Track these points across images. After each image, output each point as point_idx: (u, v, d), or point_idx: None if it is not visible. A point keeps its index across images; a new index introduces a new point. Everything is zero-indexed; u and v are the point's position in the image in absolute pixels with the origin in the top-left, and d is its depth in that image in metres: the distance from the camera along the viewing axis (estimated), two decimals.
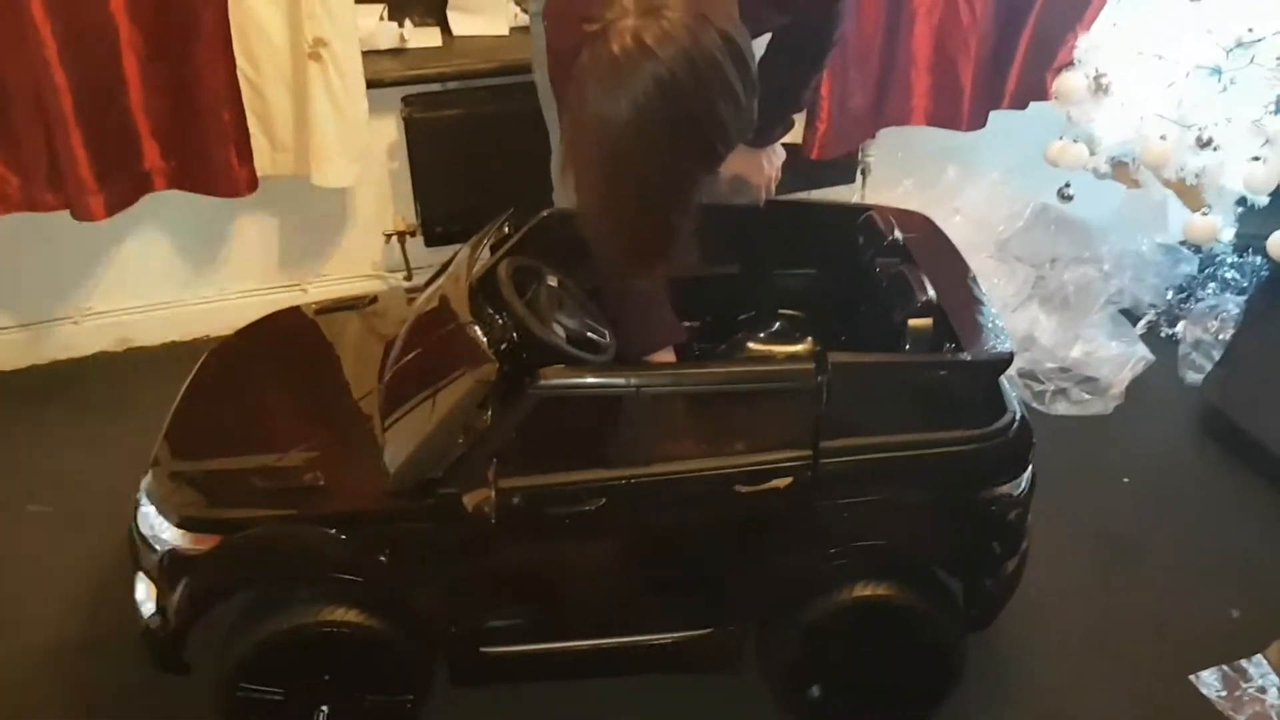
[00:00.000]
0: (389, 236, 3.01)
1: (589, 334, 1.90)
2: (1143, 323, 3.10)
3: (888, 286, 1.91)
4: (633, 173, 1.39)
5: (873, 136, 3.10)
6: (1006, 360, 1.78)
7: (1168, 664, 2.13)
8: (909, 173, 3.18)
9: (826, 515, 1.76)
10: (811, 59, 1.99)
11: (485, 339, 1.74)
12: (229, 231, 2.94)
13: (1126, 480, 2.60)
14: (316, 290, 3.03)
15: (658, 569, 1.82)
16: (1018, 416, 1.79)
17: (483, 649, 1.84)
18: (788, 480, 1.71)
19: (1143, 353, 2.91)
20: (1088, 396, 2.82)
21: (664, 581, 1.83)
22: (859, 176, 3.20)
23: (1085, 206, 3.09)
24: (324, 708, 1.82)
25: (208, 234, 2.93)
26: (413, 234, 3.00)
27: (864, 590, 1.79)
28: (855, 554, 1.79)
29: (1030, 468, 1.83)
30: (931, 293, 1.81)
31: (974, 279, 1.96)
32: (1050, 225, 3.16)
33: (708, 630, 1.84)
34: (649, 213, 1.43)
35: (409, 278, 3.05)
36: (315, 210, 2.96)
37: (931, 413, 1.77)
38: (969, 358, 1.74)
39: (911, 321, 1.81)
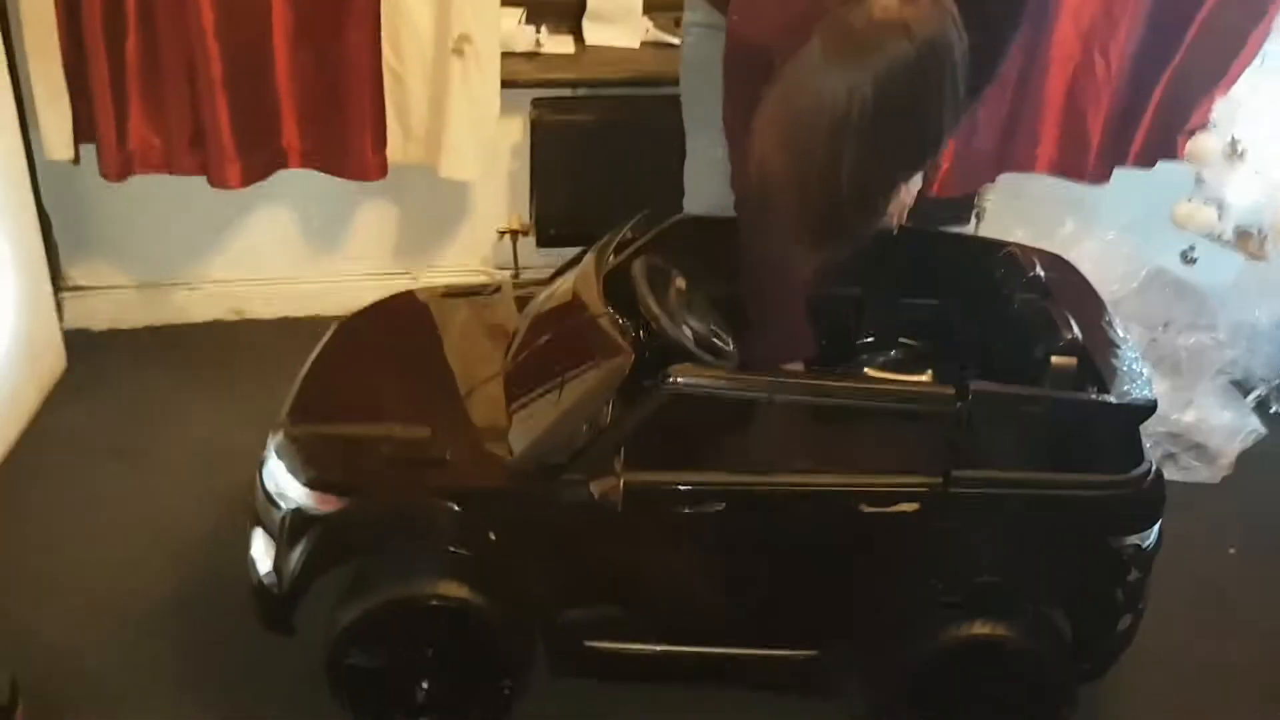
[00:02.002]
0: (503, 234, 3.04)
1: (714, 339, 1.90)
2: (1253, 396, 3.02)
3: (1027, 322, 1.89)
4: (843, 149, 1.38)
5: (993, 180, 3.08)
6: (1150, 407, 1.74)
7: None
8: (1025, 221, 3.13)
9: (950, 546, 1.73)
10: (971, 88, 1.98)
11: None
12: (350, 214, 3.00)
13: (1232, 550, 2.53)
14: (426, 280, 3.06)
15: (770, 582, 1.80)
16: (1153, 468, 1.75)
17: (586, 642, 1.83)
18: (915, 505, 1.69)
19: (1255, 425, 2.84)
20: (1196, 464, 2.76)
21: (775, 596, 1.81)
22: (974, 219, 3.18)
23: (1202, 273, 3.04)
24: (425, 684, 1.82)
25: (329, 215, 2.99)
26: (525, 233, 3.03)
27: (980, 628, 1.75)
28: (975, 589, 1.76)
29: (1160, 523, 1.79)
30: (1076, 331, 1.78)
31: (1115, 323, 1.93)
32: (1166, 288, 3.10)
33: (813, 652, 1.82)
34: (841, 195, 1.42)
35: (516, 276, 3.08)
36: (434, 201, 3.01)
37: (1069, 453, 1.74)
38: (1114, 401, 1.71)
39: (1054, 359, 1.78)
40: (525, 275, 3.04)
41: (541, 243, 3.02)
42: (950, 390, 1.65)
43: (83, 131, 2.55)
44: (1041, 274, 1.98)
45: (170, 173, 2.61)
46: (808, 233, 1.50)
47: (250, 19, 2.51)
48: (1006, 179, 3.08)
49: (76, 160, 2.59)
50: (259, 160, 2.65)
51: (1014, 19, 1.82)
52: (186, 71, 2.51)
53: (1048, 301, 1.91)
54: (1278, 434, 2.85)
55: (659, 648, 1.83)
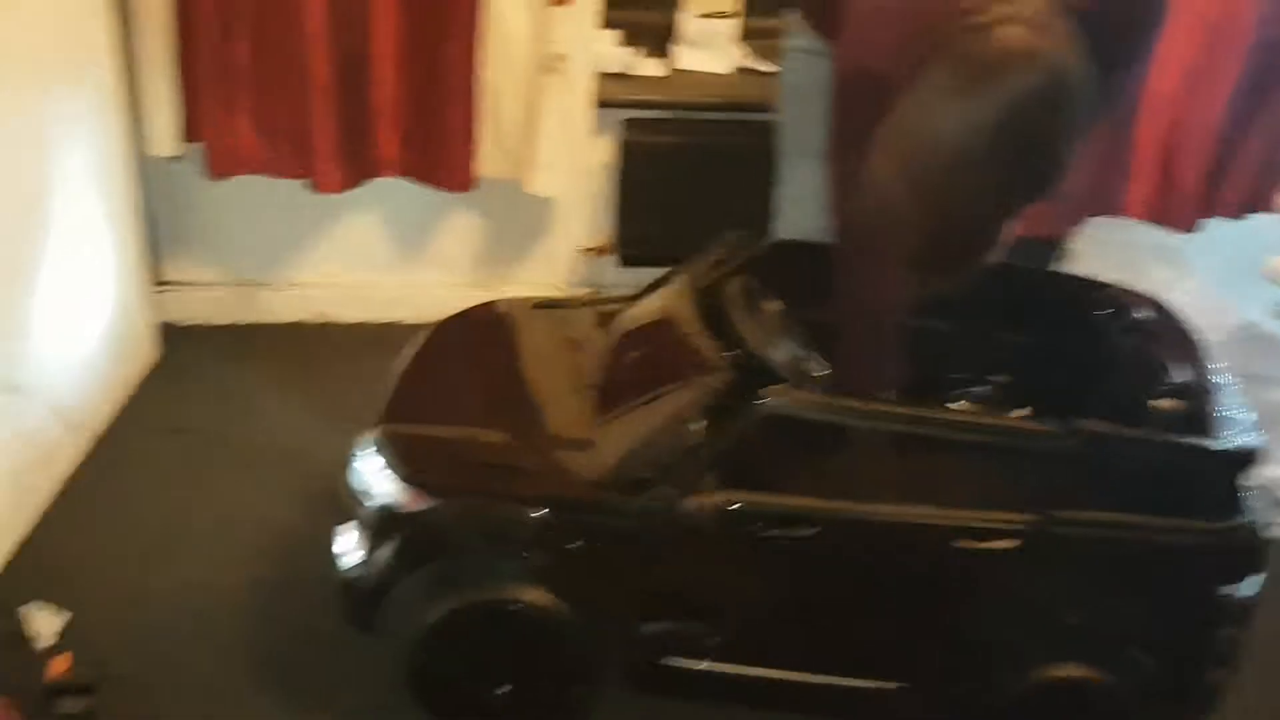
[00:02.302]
0: (584, 251, 3.07)
1: (805, 363, 1.90)
2: None
3: (1128, 365, 1.86)
4: (965, 181, 1.39)
5: (1081, 222, 3.04)
6: (1252, 455, 1.70)
7: None
8: (1112, 266, 3.09)
9: (1045, 585, 1.70)
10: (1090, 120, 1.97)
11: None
12: (434, 225, 3.05)
13: None
14: (506, 294, 3.07)
15: (858, 611, 1.78)
16: (1254, 519, 1.71)
17: (663, 660, 1.82)
18: (1013, 543, 1.66)
19: None
20: None
21: (861, 626, 1.79)
22: (1059, 261, 3.14)
23: None
24: (504, 687, 1.82)
25: (414, 224, 3.03)
26: (607, 253, 3.06)
27: (1070, 670, 1.72)
28: (1066, 631, 1.72)
29: (1262, 576, 1.74)
30: (1183, 376, 1.75)
31: (1218, 369, 1.89)
32: (1255, 341, 3.05)
33: (897, 685, 1.79)
34: (960, 226, 1.42)
35: (595, 294, 3.10)
36: (517, 216, 3.04)
37: (1171, 498, 1.70)
38: (1216, 447, 1.67)
39: (1158, 403, 1.75)
40: (605, 293, 3.06)
41: (623, 263, 3.04)
42: (1056, 428, 1.63)
43: (189, 130, 2.62)
44: (1143, 316, 1.95)
45: (271, 175, 2.68)
46: (920, 263, 1.50)
47: (356, 28, 2.57)
48: (1094, 222, 3.05)
49: (181, 157, 2.66)
50: (357, 167, 2.70)
51: (1139, 51, 1.81)
52: (293, 77, 2.57)
53: (1149, 344, 1.88)
54: None
55: (738, 670, 1.82)
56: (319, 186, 2.66)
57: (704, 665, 1.82)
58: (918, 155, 1.41)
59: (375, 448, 1.84)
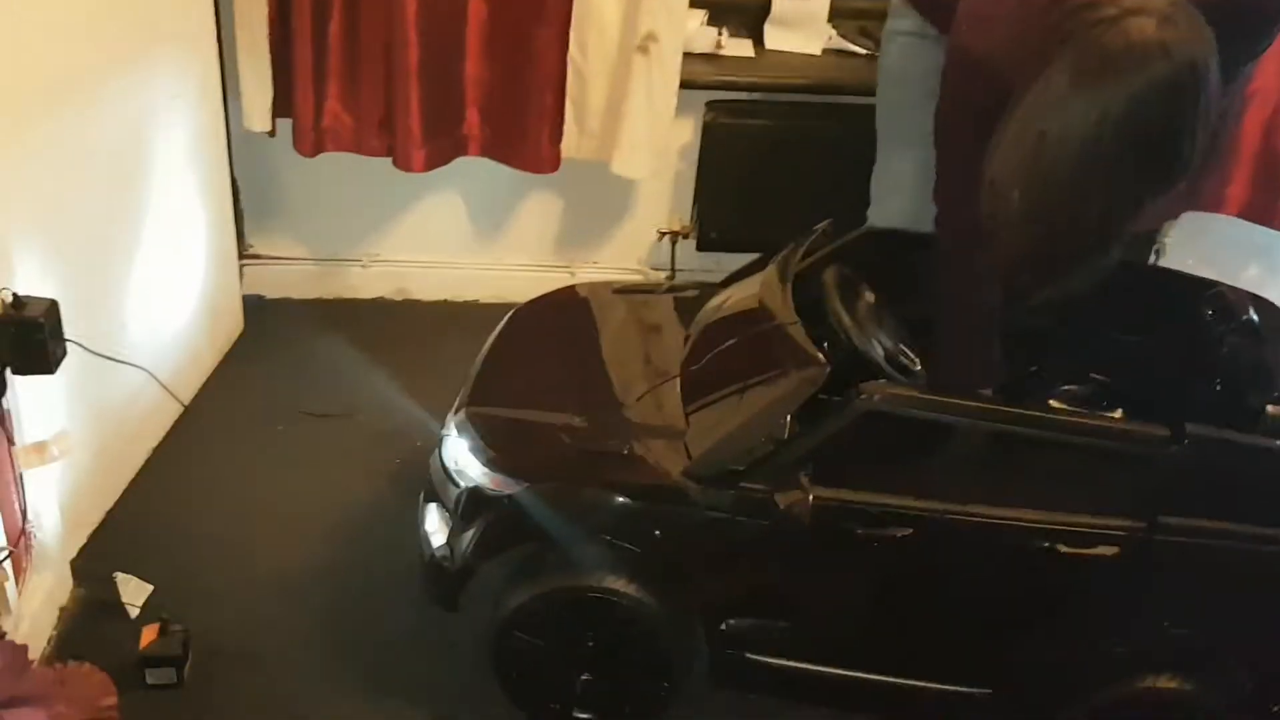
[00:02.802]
0: (663, 234, 3.05)
1: (902, 357, 1.86)
2: None
3: (1237, 367, 1.79)
4: (1092, 177, 1.34)
5: (1177, 217, 2.95)
6: None
7: None
8: (1206, 261, 2.99)
9: (1144, 593, 1.65)
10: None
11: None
12: (517, 205, 3.04)
13: None
14: (583, 275, 3.09)
15: (949, 614, 1.74)
16: None
17: (748, 654, 1.80)
18: (1115, 550, 1.62)
19: None
20: None
21: (952, 628, 1.76)
22: (1153, 255, 3.05)
23: None
24: (585, 675, 1.82)
25: (495, 204, 3.03)
26: (686, 236, 3.03)
27: (1166, 682, 1.67)
28: (1164, 640, 1.67)
29: None
30: None
31: None
32: None
33: (986, 691, 1.76)
34: (1086, 225, 1.38)
35: (672, 278, 3.08)
36: (599, 198, 3.03)
37: (1275, 507, 1.64)
38: None
39: (1271, 409, 1.68)
40: (681, 278, 3.04)
41: (701, 246, 3.01)
42: (1166, 431, 1.57)
43: (280, 107, 2.65)
44: (1254, 318, 1.87)
45: (359, 152, 2.69)
46: (1043, 262, 1.45)
47: (448, 11, 2.56)
48: (1189, 217, 2.95)
49: (273, 133, 2.68)
50: (442, 146, 2.71)
51: (1263, 43, 1.73)
52: (384, 57, 2.58)
53: (1259, 346, 1.80)
54: None
55: (825, 669, 1.79)
56: (402, 165, 2.67)
57: (787, 662, 1.80)
58: (1045, 150, 1.37)
59: (461, 430, 1.84)
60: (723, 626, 1.79)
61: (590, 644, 1.81)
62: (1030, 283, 1.51)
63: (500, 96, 2.70)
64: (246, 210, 2.93)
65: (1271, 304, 2.02)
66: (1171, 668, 1.68)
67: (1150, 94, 1.32)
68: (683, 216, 3.03)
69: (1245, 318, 1.89)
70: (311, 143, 2.65)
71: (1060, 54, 1.40)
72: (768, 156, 2.88)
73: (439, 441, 1.91)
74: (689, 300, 2.19)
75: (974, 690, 1.77)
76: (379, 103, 2.63)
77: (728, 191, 2.94)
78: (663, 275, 3.11)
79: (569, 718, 1.86)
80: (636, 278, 3.13)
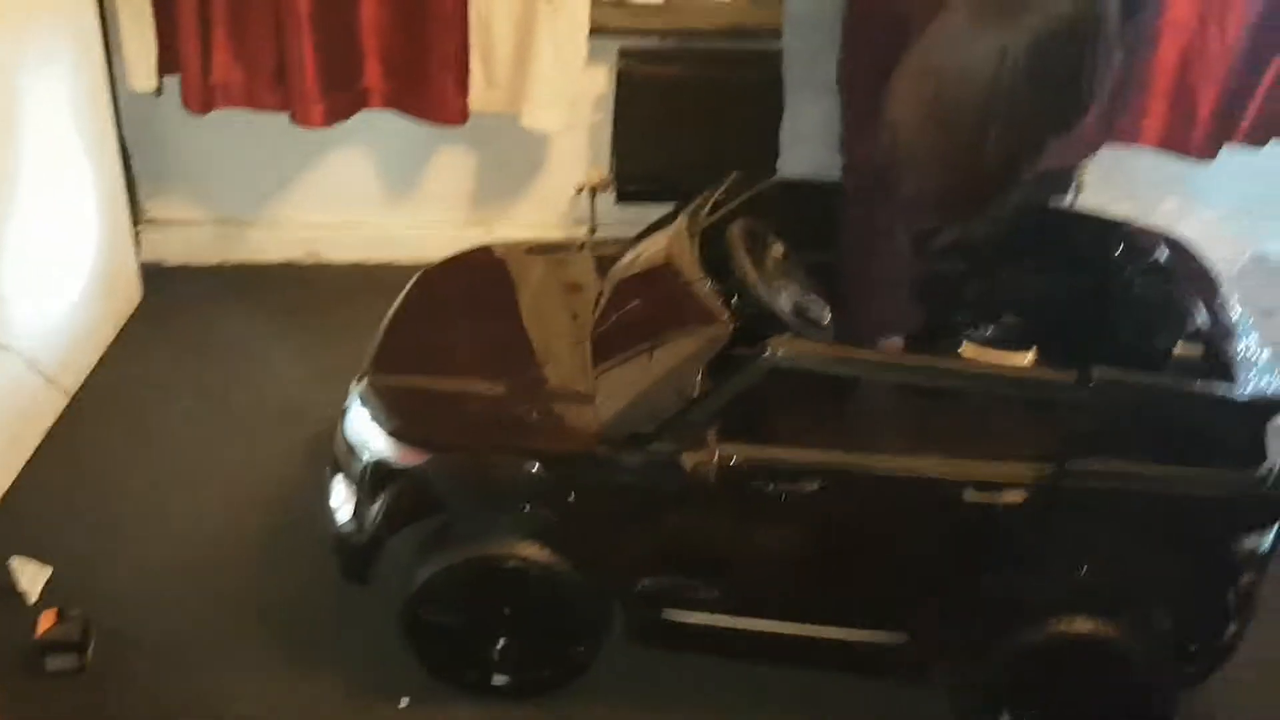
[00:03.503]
0: (580, 189, 2.97)
1: (810, 309, 1.82)
2: None
3: (1148, 308, 1.79)
4: (993, 116, 1.31)
5: (1095, 152, 2.94)
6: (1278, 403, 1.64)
7: None
8: (1125, 196, 2.99)
9: (1056, 538, 1.65)
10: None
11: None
12: (427, 162, 2.94)
13: None
14: (501, 232, 3.00)
15: (862, 564, 1.74)
16: (1277, 468, 1.65)
17: (664, 613, 1.78)
18: (1022, 495, 1.61)
19: None
20: None
21: (865, 578, 1.75)
22: (1072, 192, 3.04)
23: None
24: (502, 640, 1.79)
25: (407, 161, 2.93)
26: (605, 189, 2.96)
27: (1081, 625, 1.68)
28: (1077, 585, 1.68)
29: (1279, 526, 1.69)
30: (1204, 320, 1.68)
31: (1239, 312, 1.82)
32: (1270, 274, 2.96)
33: (901, 636, 1.75)
34: (989, 164, 1.35)
35: (593, 231, 3.01)
36: (512, 152, 2.94)
37: (1188, 447, 1.65)
38: (1244, 395, 1.61)
39: (1178, 349, 1.68)
40: (603, 232, 2.97)
41: (621, 198, 2.94)
42: (1072, 376, 1.56)
43: (166, 63, 2.51)
44: (1163, 256, 1.87)
45: (252, 108, 2.58)
46: (946, 204, 1.42)
47: None
48: (1107, 154, 2.94)
49: (159, 91, 2.55)
50: (342, 99, 2.60)
51: None
52: (273, 6, 2.45)
53: (1170, 286, 1.80)
54: None
55: (740, 623, 1.78)
56: (300, 120, 2.55)
57: (705, 618, 1.78)
58: (945, 90, 1.34)
59: (364, 400, 1.78)
60: (638, 587, 1.77)
61: (505, 611, 1.78)
62: (935, 225, 1.48)
63: (401, 44, 2.59)
64: (141, 174, 2.80)
65: (1182, 242, 2.01)
66: (1087, 610, 1.68)
67: (1050, 32, 1.30)
68: (601, 168, 2.96)
69: (1155, 257, 1.88)
70: (201, 99, 2.52)
71: None
72: (684, 104, 2.80)
73: (343, 412, 1.84)
74: (602, 257, 2.14)
75: (892, 637, 1.76)
76: (271, 53, 2.51)
77: (645, 141, 2.87)
78: (583, 230, 3.04)
79: (488, 684, 1.83)
80: (557, 232, 3.05)
